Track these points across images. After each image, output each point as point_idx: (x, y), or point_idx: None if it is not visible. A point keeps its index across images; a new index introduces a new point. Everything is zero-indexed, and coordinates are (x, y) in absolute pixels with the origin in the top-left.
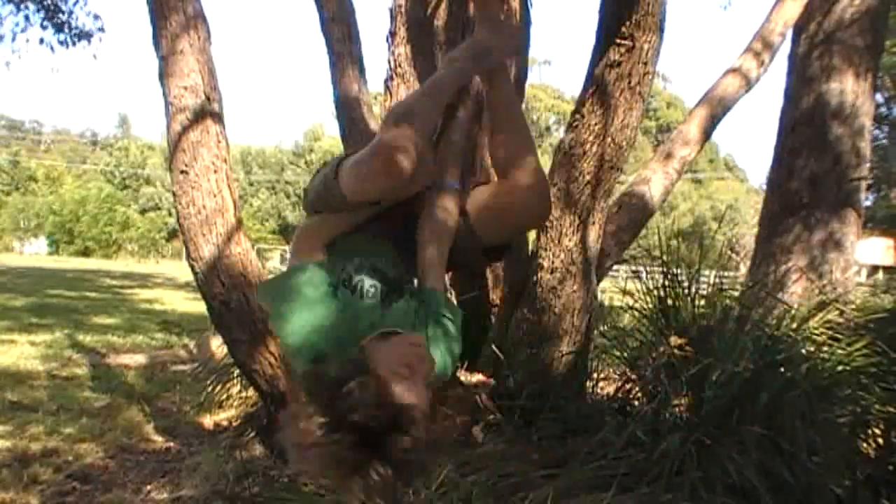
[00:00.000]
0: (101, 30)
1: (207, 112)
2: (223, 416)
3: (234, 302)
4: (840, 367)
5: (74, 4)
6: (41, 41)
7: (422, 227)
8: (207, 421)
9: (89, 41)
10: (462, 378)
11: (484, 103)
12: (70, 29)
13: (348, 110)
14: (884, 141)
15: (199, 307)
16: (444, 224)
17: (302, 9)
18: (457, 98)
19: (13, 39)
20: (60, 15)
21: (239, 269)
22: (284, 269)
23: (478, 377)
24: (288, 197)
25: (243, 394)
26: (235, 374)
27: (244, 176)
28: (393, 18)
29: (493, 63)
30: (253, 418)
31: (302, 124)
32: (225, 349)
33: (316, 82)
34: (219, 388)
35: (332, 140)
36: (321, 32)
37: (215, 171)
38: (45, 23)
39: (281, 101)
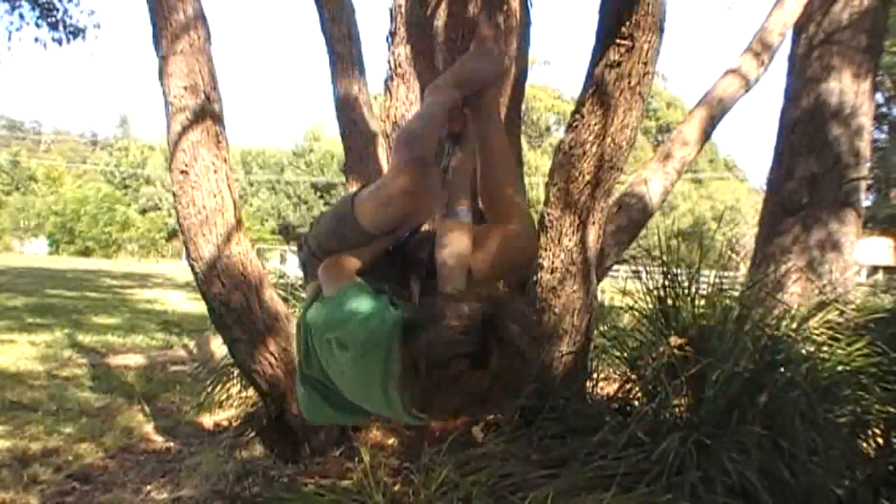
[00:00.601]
0: (97, 26)
1: (207, 112)
2: (223, 416)
3: (234, 302)
4: (840, 368)
5: (69, 1)
6: (36, 40)
7: (442, 260)
8: (207, 421)
9: (84, 38)
10: None
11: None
12: (65, 27)
13: (348, 110)
14: (884, 141)
15: (200, 307)
16: (461, 254)
17: (302, 9)
18: (464, 128)
19: (9, 38)
20: (55, 13)
21: (239, 268)
22: (284, 268)
23: None
24: (288, 197)
25: (243, 394)
26: (235, 374)
27: (244, 176)
28: (393, 18)
29: (473, 89)
30: (253, 418)
31: (302, 124)
32: (225, 349)
33: (316, 82)
34: (219, 388)
35: (331, 140)
36: (321, 32)
37: (215, 171)
38: (40, 21)
39: (281, 101)
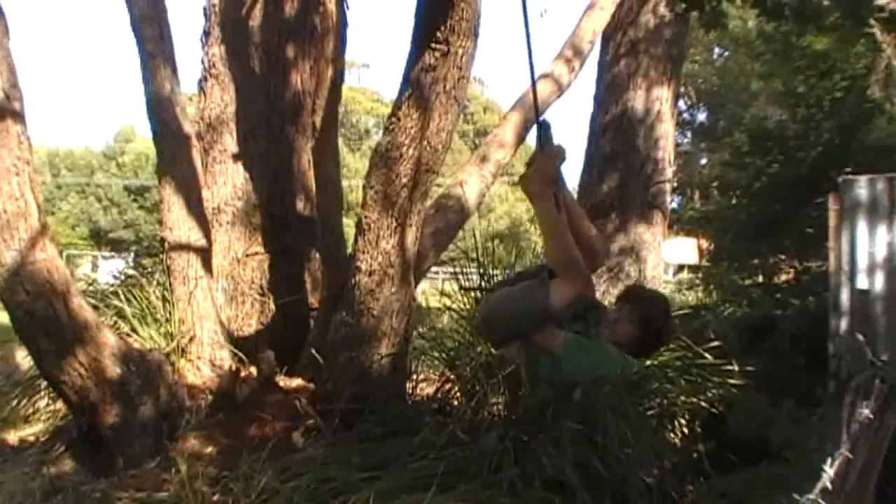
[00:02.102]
0: None
1: (7, 111)
2: (30, 432)
3: (39, 311)
4: (648, 362)
5: None
6: None
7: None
8: (12, 437)
9: None
10: (281, 383)
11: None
12: None
13: (161, 111)
14: (687, 146)
15: (2, 317)
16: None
17: (110, 4)
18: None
19: None
20: None
21: (44, 276)
22: (96, 275)
23: (297, 382)
24: (99, 200)
25: (52, 407)
26: (43, 387)
27: (51, 179)
28: (207, 18)
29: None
30: (63, 432)
31: (113, 125)
32: (31, 360)
33: (127, 81)
34: (24, 401)
35: (144, 141)
36: (131, 31)
37: (17, 174)
38: None
39: (90, 100)
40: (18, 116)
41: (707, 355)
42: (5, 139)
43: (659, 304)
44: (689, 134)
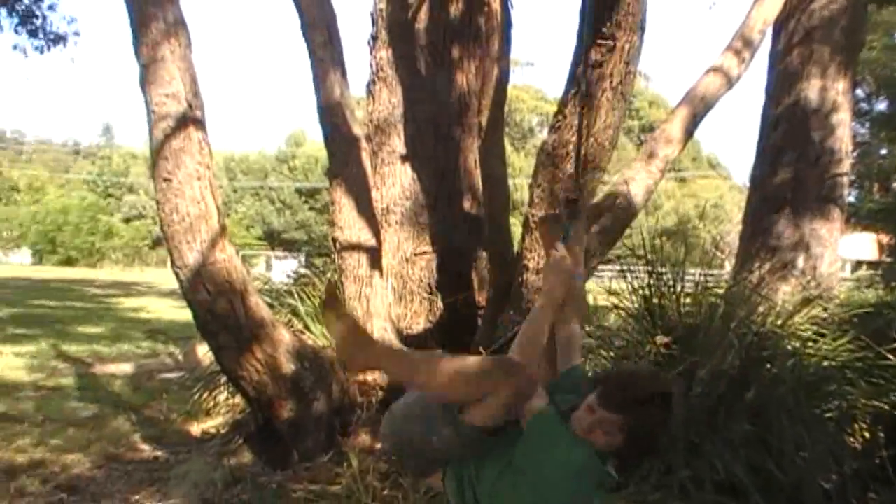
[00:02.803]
0: (77, 34)
1: (189, 119)
2: (211, 424)
3: (219, 308)
4: (826, 363)
5: (48, 9)
6: (14, 47)
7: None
8: (195, 429)
9: (65, 45)
10: None
11: None
12: (45, 34)
13: (331, 115)
14: (866, 136)
15: (185, 315)
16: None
17: (282, 13)
18: (578, 202)
19: None
20: (34, 20)
21: (224, 275)
22: (270, 275)
23: None
24: (272, 203)
25: (231, 401)
26: (222, 382)
27: (228, 182)
28: (374, 22)
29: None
30: (241, 425)
31: (285, 129)
32: (212, 356)
33: (298, 87)
34: (206, 395)
35: (315, 144)
36: (302, 37)
37: (198, 178)
38: (19, 28)
39: (264, 106)
40: (200, 124)
41: (890, 356)
42: (188, 145)
43: (658, 404)
44: (867, 124)
